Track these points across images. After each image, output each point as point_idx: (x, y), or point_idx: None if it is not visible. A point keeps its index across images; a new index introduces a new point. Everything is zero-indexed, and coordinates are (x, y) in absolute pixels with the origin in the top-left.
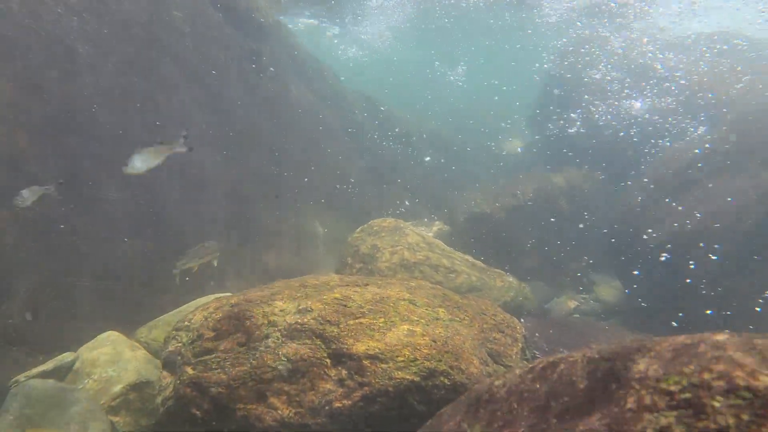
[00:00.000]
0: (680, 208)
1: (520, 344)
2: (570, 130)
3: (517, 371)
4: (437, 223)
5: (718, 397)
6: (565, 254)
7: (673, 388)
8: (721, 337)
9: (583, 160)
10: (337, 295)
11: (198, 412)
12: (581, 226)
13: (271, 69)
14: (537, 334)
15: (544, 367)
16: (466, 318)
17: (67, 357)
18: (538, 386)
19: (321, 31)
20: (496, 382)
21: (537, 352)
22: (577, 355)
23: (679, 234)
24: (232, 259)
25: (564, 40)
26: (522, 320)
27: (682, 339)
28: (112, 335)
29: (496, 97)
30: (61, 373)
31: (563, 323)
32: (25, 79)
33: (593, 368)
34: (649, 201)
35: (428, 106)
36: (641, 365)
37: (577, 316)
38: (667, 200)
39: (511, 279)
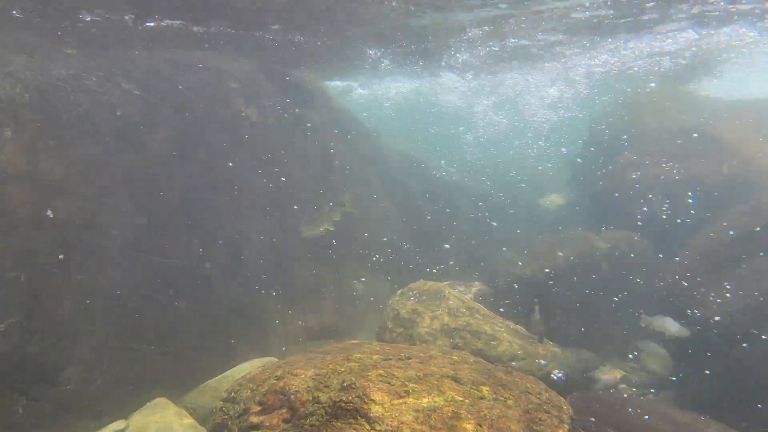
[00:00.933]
0: (728, 285)
1: (566, 426)
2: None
3: None
4: (476, 284)
5: None
6: (608, 320)
7: None
8: None
9: (627, 222)
10: (381, 372)
11: None
12: (626, 293)
13: (309, 127)
14: (583, 412)
15: None
16: (511, 398)
17: (118, 425)
18: None
19: (350, 89)
20: None
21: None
22: None
23: (729, 313)
24: (276, 319)
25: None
26: (568, 396)
27: None
28: (161, 402)
29: (534, 151)
30: None
31: (611, 399)
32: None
33: None
34: (697, 273)
35: (467, 159)
36: None
37: (624, 386)
38: (716, 275)
39: (554, 348)
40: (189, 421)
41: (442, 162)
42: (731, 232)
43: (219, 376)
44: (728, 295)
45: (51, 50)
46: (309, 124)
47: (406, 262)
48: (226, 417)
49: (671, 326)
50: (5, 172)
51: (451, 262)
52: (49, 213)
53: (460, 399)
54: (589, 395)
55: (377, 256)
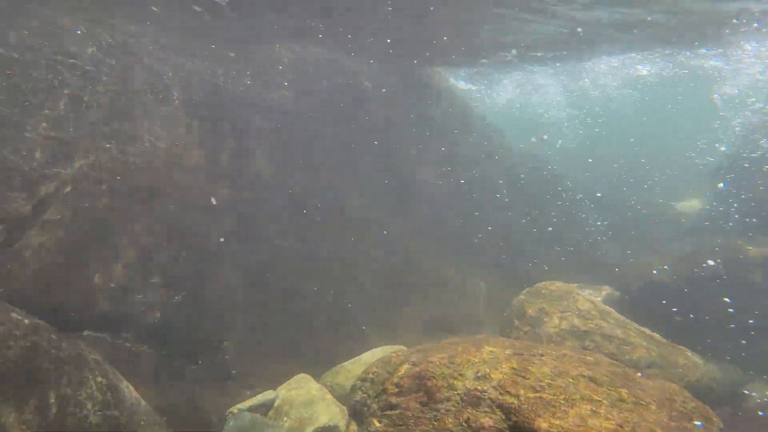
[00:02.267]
0: None
1: None
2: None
3: None
4: (606, 288)
5: None
6: (759, 333)
7: None
8: None
9: None
10: (515, 365)
11: None
12: None
13: (433, 125)
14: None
15: None
16: (653, 403)
17: (269, 395)
18: None
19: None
20: None
21: None
22: None
23: None
24: (403, 310)
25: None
26: (716, 410)
27: None
28: (304, 378)
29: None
30: (264, 408)
31: (763, 419)
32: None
33: None
34: None
35: (600, 161)
36: None
37: None
38: None
39: (696, 358)
40: (329, 396)
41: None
42: None
43: (352, 359)
44: None
45: (217, 54)
46: (433, 122)
47: (527, 262)
48: (365, 396)
49: None
50: (181, 163)
51: (573, 264)
52: (213, 200)
53: (597, 398)
54: (736, 411)
55: (498, 254)
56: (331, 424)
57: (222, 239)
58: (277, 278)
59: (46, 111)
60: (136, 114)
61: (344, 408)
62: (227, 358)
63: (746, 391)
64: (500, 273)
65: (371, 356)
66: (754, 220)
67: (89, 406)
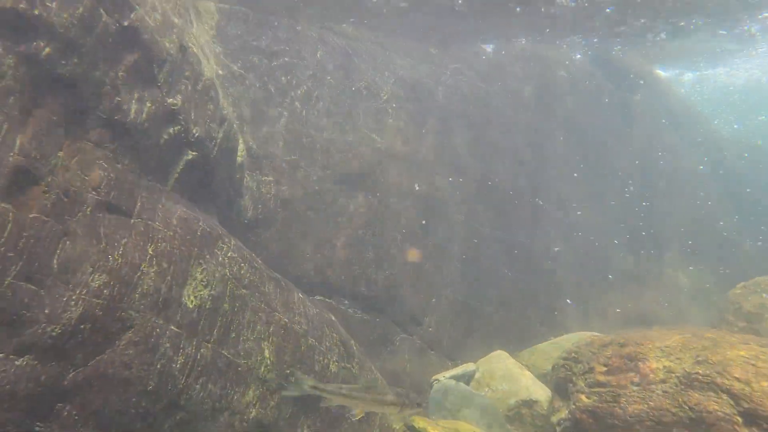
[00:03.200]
0: None
1: None
2: None
3: None
4: None
5: None
6: None
7: None
8: None
9: None
10: (743, 353)
11: None
12: None
13: (634, 113)
14: None
15: None
16: None
17: (470, 367)
18: None
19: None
20: None
21: None
22: None
23: None
24: (594, 300)
25: None
26: None
27: None
28: (502, 354)
29: None
30: (465, 378)
31: None
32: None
33: None
34: None
35: None
36: None
37: None
38: None
39: None
40: (528, 373)
41: None
42: None
43: (548, 341)
44: None
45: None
46: (634, 110)
47: (739, 258)
48: (570, 373)
49: None
50: (389, 152)
51: None
52: (417, 186)
53: None
54: None
55: (702, 247)
56: (532, 398)
57: (423, 222)
58: (477, 260)
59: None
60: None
61: (543, 385)
62: (430, 331)
63: None
64: (704, 268)
65: (567, 340)
66: None
67: (329, 356)
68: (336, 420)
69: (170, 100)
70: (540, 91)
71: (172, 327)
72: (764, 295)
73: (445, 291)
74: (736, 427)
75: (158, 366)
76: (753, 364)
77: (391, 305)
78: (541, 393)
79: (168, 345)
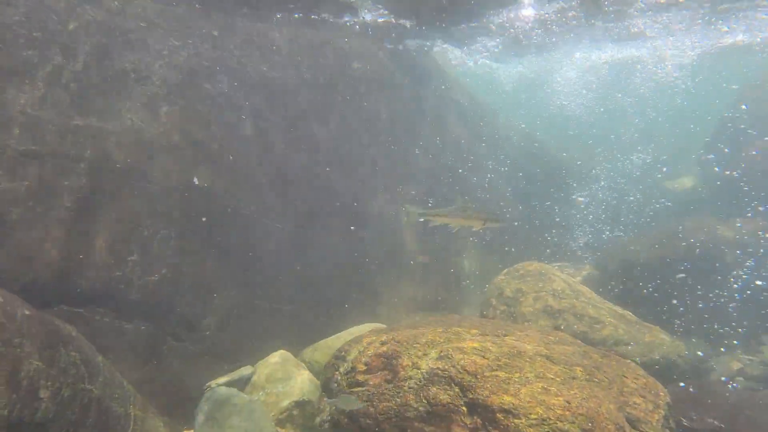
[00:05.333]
0: None
1: (662, 411)
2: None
3: None
4: (587, 267)
5: None
6: (730, 312)
7: None
8: None
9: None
10: (476, 345)
11: None
12: (759, 283)
13: (424, 105)
14: (686, 401)
15: None
16: (605, 379)
17: (246, 370)
18: None
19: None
20: None
21: (684, 420)
22: None
23: None
24: (386, 291)
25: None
26: (671, 385)
27: None
28: (283, 354)
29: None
30: (241, 383)
31: (720, 390)
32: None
33: None
34: None
35: (592, 138)
36: None
37: (741, 379)
38: None
39: (663, 335)
40: (306, 373)
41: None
42: None
43: (332, 336)
44: None
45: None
46: (424, 102)
47: (520, 244)
48: (337, 372)
49: None
50: (161, 142)
51: (558, 244)
52: (195, 180)
53: (551, 377)
54: (695, 385)
55: (488, 237)
56: (305, 399)
57: (204, 219)
58: (261, 256)
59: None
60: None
61: (319, 384)
62: (207, 335)
63: (711, 365)
64: (492, 254)
65: (350, 334)
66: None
67: (62, 379)
68: None
69: None
70: (334, 80)
71: None
72: (519, 280)
73: (227, 291)
74: (461, 417)
75: None
76: (482, 356)
77: (159, 310)
78: (315, 393)
79: None
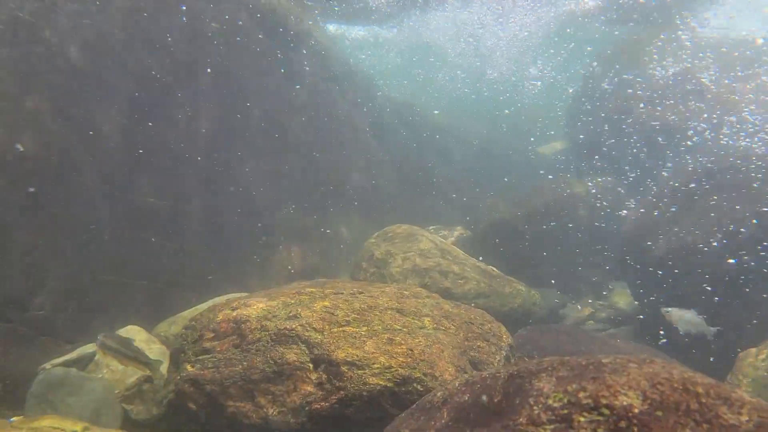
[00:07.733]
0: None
1: (503, 352)
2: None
3: (457, 382)
4: (459, 228)
5: (585, 414)
6: (583, 262)
7: (556, 404)
8: (606, 359)
9: (613, 167)
10: (327, 304)
11: (194, 407)
12: (602, 237)
13: (294, 72)
14: (530, 342)
15: (473, 381)
16: (452, 327)
17: (88, 348)
18: (465, 397)
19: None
20: (438, 393)
21: (526, 359)
22: (502, 371)
23: (677, 249)
24: (256, 259)
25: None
26: (525, 328)
27: (581, 360)
28: (132, 329)
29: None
30: (83, 362)
31: (567, 331)
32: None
33: (509, 383)
34: (661, 213)
35: (467, 106)
36: (542, 383)
37: (592, 322)
38: (669, 213)
39: (520, 287)
40: (157, 346)
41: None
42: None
43: (191, 308)
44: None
45: None
46: (295, 70)
47: (394, 208)
48: (185, 342)
49: (690, 320)
50: None
51: (436, 208)
52: (19, 147)
53: (398, 327)
54: (541, 327)
55: (364, 201)
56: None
57: (32, 189)
58: (107, 228)
59: None
60: None
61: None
62: (42, 314)
63: (567, 312)
64: (369, 219)
65: (208, 306)
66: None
67: None
68: None
69: None
70: (188, 44)
71: None
72: (388, 242)
73: (67, 268)
74: (307, 373)
75: None
76: (331, 313)
77: None
78: (164, 367)
79: None
